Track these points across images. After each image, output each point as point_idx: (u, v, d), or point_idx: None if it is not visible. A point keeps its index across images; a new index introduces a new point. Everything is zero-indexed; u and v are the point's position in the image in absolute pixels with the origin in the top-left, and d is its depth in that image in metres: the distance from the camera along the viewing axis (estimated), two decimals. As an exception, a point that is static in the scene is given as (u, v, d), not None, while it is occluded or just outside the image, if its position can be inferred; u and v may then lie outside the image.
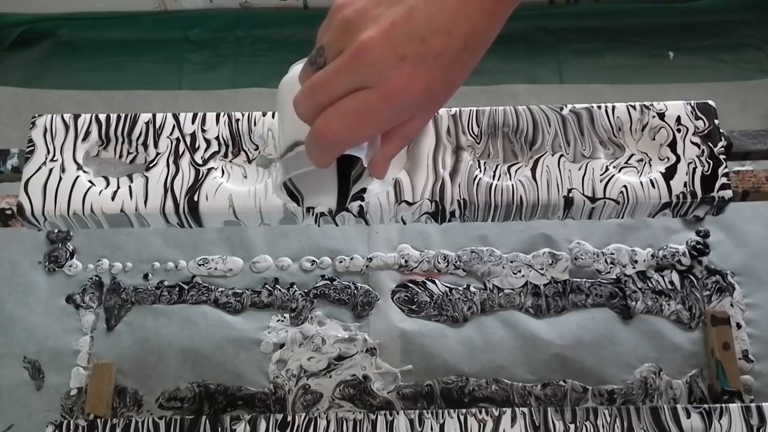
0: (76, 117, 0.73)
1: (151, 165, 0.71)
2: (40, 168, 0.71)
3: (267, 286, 1.04)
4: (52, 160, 0.71)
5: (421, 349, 0.99)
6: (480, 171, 0.70)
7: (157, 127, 0.73)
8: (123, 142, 0.73)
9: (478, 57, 0.46)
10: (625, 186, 0.69)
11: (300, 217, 0.70)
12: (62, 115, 0.73)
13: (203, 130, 0.72)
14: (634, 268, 1.04)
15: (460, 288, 1.03)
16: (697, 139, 0.71)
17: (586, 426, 0.78)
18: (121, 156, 0.72)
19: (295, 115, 0.47)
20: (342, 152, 0.47)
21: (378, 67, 0.43)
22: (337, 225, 0.71)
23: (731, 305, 1.01)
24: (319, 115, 0.45)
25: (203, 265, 1.05)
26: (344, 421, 0.79)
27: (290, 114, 0.48)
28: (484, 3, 0.44)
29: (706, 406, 0.78)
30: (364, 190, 0.55)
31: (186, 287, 1.04)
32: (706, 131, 0.71)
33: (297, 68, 0.52)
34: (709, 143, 0.71)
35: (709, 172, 0.70)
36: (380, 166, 0.50)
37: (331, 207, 0.60)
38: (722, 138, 0.71)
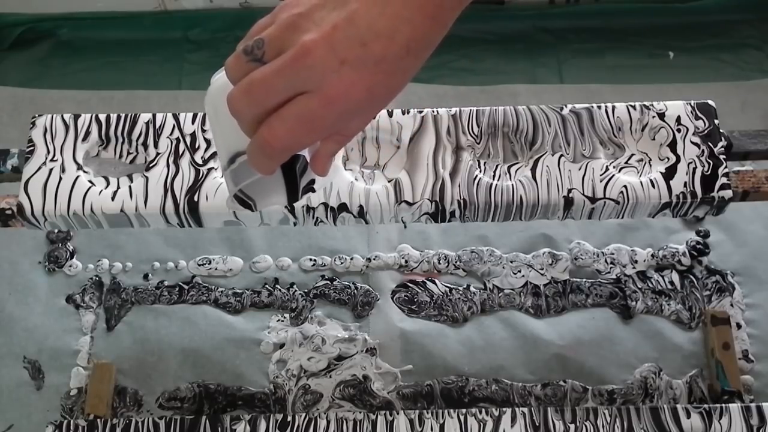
0: (76, 117, 0.73)
1: (151, 165, 0.71)
2: (40, 168, 0.71)
3: (267, 286, 1.04)
4: (52, 160, 0.71)
5: (421, 349, 0.99)
6: (480, 171, 0.70)
7: (157, 127, 0.73)
8: (123, 142, 0.73)
9: (422, 61, 0.46)
10: (625, 186, 0.69)
11: (301, 218, 0.70)
12: (62, 115, 0.73)
13: (203, 130, 0.72)
14: (634, 268, 1.04)
15: (460, 288, 1.03)
16: (697, 139, 0.71)
17: (586, 426, 0.78)
18: (121, 156, 0.72)
19: (233, 125, 0.47)
20: (287, 158, 0.47)
21: (319, 71, 0.43)
22: (336, 225, 0.71)
23: (731, 305, 1.01)
24: (262, 125, 0.45)
25: (203, 265, 1.05)
26: (344, 421, 0.79)
27: (228, 125, 0.48)
28: (426, 7, 0.43)
29: (706, 406, 0.78)
30: (313, 181, 0.56)
31: (186, 287, 1.04)
32: (706, 131, 0.71)
33: (223, 78, 0.50)
34: (709, 143, 0.71)
35: (709, 172, 0.70)
36: (322, 164, 0.50)
37: (284, 204, 0.61)
38: (722, 138, 0.71)
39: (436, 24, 0.44)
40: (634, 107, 0.73)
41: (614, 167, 0.70)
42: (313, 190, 0.57)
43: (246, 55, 0.45)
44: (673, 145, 0.71)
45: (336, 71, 0.43)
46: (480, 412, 0.79)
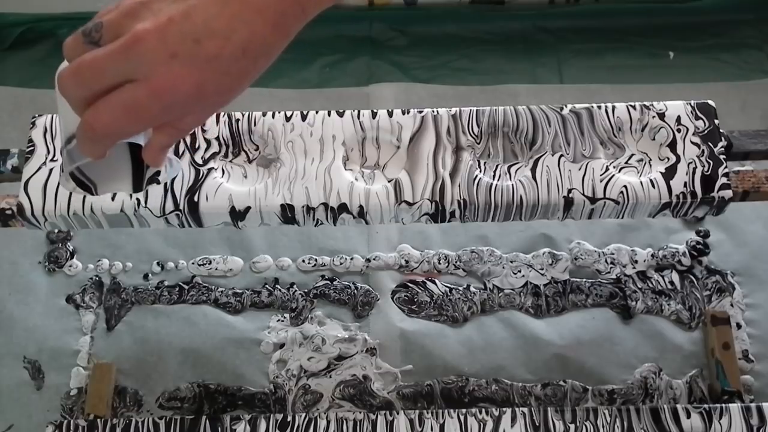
0: (76, 117, 0.73)
1: (151, 165, 0.71)
2: (40, 168, 0.71)
3: (267, 286, 1.04)
4: (52, 160, 0.71)
5: (421, 349, 0.99)
6: (480, 171, 0.70)
7: (157, 127, 0.73)
8: (123, 142, 0.72)
9: (261, 66, 0.46)
10: (625, 186, 0.69)
11: (301, 219, 0.70)
12: (62, 115, 0.73)
13: (203, 130, 0.72)
14: (634, 268, 1.04)
15: (460, 288, 1.03)
16: (697, 139, 0.71)
17: (586, 426, 0.78)
18: (121, 156, 0.72)
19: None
20: (113, 144, 0.47)
21: (148, 61, 0.43)
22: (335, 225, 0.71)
23: (731, 305, 1.01)
24: (89, 108, 0.45)
25: (203, 265, 1.05)
26: (344, 421, 0.79)
27: (68, 106, 0.48)
28: (266, 13, 0.43)
29: (706, 406, 0.78)
30: (158, 173, 0.56)
31: (186, 287, 1.04)
32: (706, 131, 0.71)
33: None
34: (709, 143, 0.71)
35: (709, 172, 0.70)
36: (153, 155, 0.50)
37: (128, 192, 0.61)
38: (722, 138, 0.71)
39: (277, 31, 0.45)
40: (634, 107, 0.73)
41: (614, 167, 0.70)
42: (158, 182, 0.58)
43: (84, 36, 0.46)
44: (673, 145, 0.71)
45: (165, 63, 0.43)
46: (480, 412, 0.79)
